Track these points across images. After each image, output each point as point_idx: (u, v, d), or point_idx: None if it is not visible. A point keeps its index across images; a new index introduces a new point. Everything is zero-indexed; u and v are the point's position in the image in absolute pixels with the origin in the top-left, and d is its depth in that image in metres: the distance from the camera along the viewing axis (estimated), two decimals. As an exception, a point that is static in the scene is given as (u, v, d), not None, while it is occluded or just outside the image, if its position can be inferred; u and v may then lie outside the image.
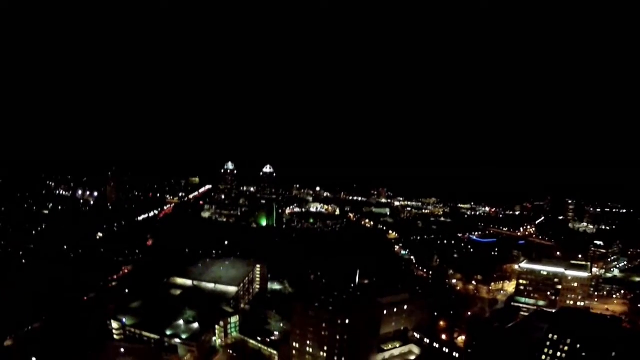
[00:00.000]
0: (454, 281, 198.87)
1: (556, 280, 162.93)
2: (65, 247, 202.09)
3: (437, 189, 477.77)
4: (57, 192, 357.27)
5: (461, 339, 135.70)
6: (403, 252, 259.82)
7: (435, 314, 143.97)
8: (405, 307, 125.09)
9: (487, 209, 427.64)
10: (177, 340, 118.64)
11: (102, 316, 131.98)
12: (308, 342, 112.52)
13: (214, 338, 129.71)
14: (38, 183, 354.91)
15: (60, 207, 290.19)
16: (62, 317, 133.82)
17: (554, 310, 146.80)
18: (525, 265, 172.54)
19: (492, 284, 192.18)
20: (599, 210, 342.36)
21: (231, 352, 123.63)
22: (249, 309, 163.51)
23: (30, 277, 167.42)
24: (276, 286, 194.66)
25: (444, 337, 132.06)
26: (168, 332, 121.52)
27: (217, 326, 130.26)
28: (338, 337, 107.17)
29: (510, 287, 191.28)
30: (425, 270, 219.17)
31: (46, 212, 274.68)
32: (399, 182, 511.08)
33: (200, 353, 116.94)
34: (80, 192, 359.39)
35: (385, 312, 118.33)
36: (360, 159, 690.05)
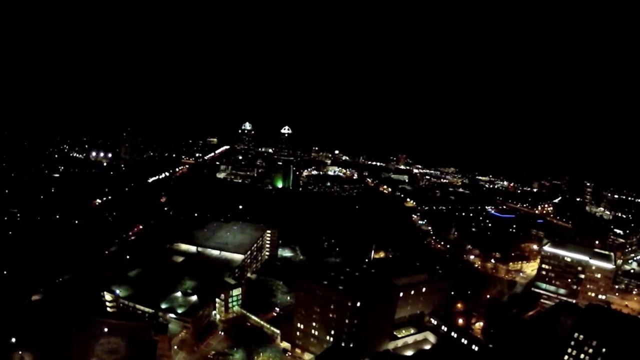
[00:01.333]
0: (471, 257, 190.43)
1: (579, 268, 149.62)
2: (70, 211, 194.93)
3: (456, 158, 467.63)
4: (71, 154, 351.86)
5: (479, 324, 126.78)
6: (420, 221, 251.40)
7: (452, 292, 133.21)
8: (424, 289, 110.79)
9: (506, 183, 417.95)
10: (172, 315, 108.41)
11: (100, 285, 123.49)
12: (313, 324, 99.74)
13: (213, 312, 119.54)
14: (51, 146, 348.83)
15: (71, 170, 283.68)
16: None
17: (574, 301, 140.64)
18: (548, 248, 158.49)
19: (511, 263, 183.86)
20: (616, 196, 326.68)
21: (230, 328, 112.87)
22: (255, 278, 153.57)
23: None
24: (287, 253, 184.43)
25: (460, 321, 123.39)
26: (163, 306, 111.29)
27: (217, 299, 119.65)
28: (347, 322, 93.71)
29: (528, 268, 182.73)
30: (442, 243, 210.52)
31: (57, 175, 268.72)
32: (419, 148, 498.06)
33: (196, 329, 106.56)
34: (94, 153, 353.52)
35: (401, 294, 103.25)
36: (380, 125, 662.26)
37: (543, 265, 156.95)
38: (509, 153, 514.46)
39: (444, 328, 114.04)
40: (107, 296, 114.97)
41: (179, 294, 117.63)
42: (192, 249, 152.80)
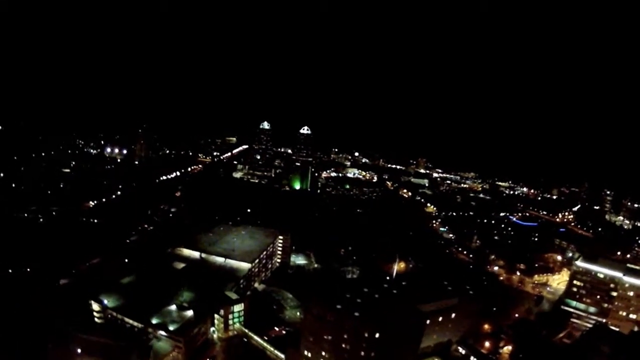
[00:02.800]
0: (495, 268, 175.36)
1: (612, 285, 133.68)
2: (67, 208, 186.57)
3: (475, 163, 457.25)
4: (85, 149, 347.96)
5: (507, 349, 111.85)
6: (442, 228, 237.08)
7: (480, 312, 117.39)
8: (453, 314, 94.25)
9: (525, 189, 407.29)
10: (162, 333, 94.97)
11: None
12: (323, 354, 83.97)
13: (211, 329, 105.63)
14: (66, 140, 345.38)
15: (84, 166, 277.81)
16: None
17: (604, 320, 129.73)
18: (581, 263, 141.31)
19: (536, 275, 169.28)
20: (636, 205, 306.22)
21: (229, 349, 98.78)
22: (263, 289, 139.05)
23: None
24: (300, 260, 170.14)
25: (487, 344, 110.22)
26: (154, 321, 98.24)
27: (216, 315, 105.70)
28: (363, 354, 77.63)
29: (554, 282, 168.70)
30: (465, 253, 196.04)
31: (67, 170, 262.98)
32: (438, 152, 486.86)
33: (188, 350, 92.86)
34: (109, 149, 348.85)
35: (427, 321, 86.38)
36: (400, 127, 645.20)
37: (574, 282, 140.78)
38: (527, 158, 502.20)
39: (473, 359, 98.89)
40: (95, 306, 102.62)
41: (173, 307, 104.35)
42: (195, 254, 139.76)
